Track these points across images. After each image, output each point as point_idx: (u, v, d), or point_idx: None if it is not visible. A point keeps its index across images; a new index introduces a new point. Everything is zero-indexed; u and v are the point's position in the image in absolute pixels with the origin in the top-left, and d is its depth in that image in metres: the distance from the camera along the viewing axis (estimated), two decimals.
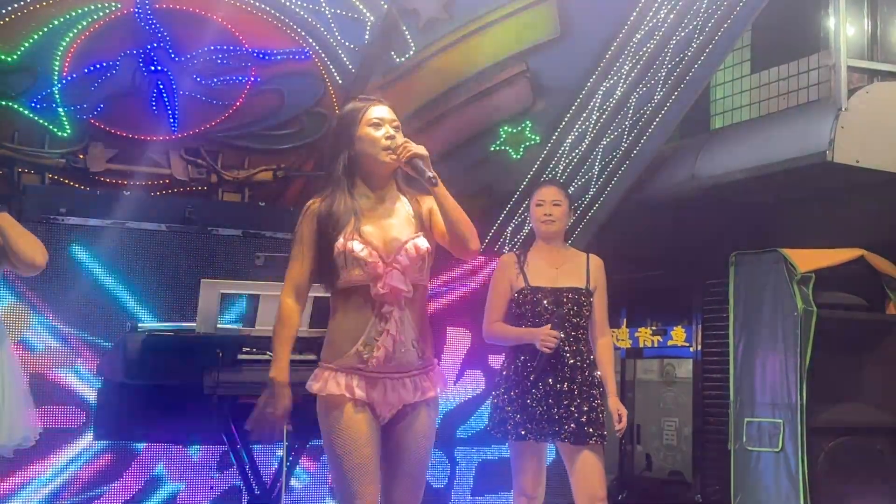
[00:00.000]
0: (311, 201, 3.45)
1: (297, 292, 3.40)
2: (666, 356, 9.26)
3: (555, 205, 4.74)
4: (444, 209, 3.33)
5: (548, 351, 4.52)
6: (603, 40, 7.01)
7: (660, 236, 8.22)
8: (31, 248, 3.96)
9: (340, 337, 3.35)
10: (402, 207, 3.44)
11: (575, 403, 4.57)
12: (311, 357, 4.39)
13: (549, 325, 4.54)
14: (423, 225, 3.43)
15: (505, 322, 4.72)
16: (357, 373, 3.31)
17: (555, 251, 4.78)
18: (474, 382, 6.69)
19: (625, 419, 4.65)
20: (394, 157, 3.34)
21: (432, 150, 3.39)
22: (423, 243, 3.37)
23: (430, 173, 3.29)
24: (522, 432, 4.55)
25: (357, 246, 3.30)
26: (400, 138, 3.39)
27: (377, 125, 3.38)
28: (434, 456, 5.45)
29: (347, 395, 3.30)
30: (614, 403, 4.67)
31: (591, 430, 4.57)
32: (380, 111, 3.41)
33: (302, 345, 4.38)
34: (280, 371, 3.34)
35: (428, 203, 3.44)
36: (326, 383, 3.33)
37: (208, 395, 4.39)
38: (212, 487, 5.91)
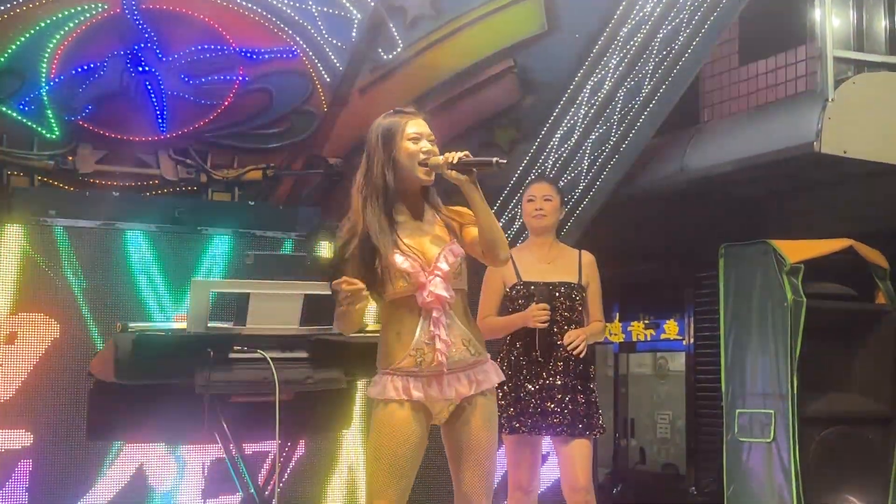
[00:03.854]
0: (341, 229, 3.56)
1: None
2: (659, 350, 9.28)
3: (545, 200, 4.78)
4: (481, 213, 3.45)
5: (542, 325, 4.55)
6: (590, 34, 7.03)
7: (651, 230, 8.24)
8: None
9: (394, 347, 3.49)
10: (435, 219, 3.56)
11: (568, 397, 4.61)
12: (303, 355, 4.42)
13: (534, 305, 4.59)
14: (455, 235, 3.55)
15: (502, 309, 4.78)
16: (412, 375, 3.45)
17: (546, 246, 4.81)
18: None
19: (580, 338, 4.63)
20: (429, 173, 3.46)
21: None
22: (458, 249, 3.52)
23: (495, 158, 3.41)
24: (517, 425, 4.58)
25: (399, 259, 3.43)
26: (435, 152, 3.49)
27: (416, 139, 3.49)
28: None
29: (405, 397, 3.45)
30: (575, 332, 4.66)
31: (584, 422, 4.60)
32: (417, 125, 3.52)
33: (293, 343, 4.41)
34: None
35: (456, 216, 3.57)
36: (385, 388, 3.47)
37: (200, 395, 4.39)
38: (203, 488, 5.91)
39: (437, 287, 3.43)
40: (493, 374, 3.59)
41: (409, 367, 3.45)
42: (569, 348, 4.60)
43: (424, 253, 3.47)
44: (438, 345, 3.42)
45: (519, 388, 4.63)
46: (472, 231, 3.54)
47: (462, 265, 3.53)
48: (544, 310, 4.58)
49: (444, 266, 3.46)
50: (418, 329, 3.45)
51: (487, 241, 3.48)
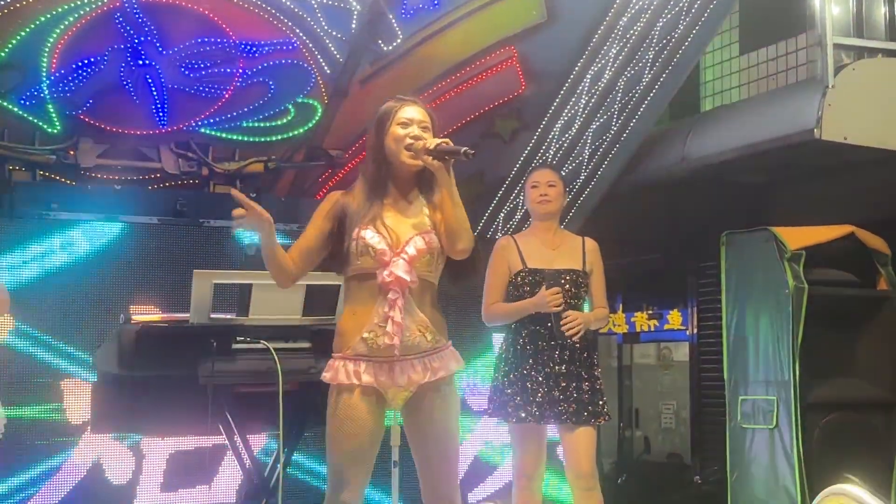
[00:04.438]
0: (335, 192, 3.63)
1: (299, 251, 3.55)
2: (662, 340, 9.29)
3: (550, 185, 4.80)
4: (448, 201, 3.46)
5: (557, 308, 4.55)
6: (590, 24, 7.03)
7: (653, 219, 8.24)
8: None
9: (349, 326, 3.51)
10: (421, 208, 3.58)
11: (574, 384, 4.62)
12: (306, 345, 4.43)
13: (544, 288, 4.59)
14: (436, 229, 3.55)
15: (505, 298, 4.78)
16: (364, 359, 3.45)
17: (550, 233, 4.82)
18: None
19: (577, 320, 4.63)
20: (413, 157, 3.48)
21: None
22: (432, 239, 3.52)
23: (464, 148, 3.42)
24: (523, 415, 4.59)
25: (369, 234, 3.46)
26: (428, 138, 3.50)
27: (405, 125, 3.52)
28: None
29: (355, 381, 3.45)
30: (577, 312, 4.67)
31: (590, 410, 4.62)
32: (410, 111, 3.55)
33: (295, 333, 4.42)
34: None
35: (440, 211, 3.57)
36: (337, 373, 3.49)
37: (203, 386, 4.40)
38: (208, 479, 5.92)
39: (399, 268, 3.44)
40: (452, 362, 3.58)
41: (361, 351, 3.46)
42: (565, 328, 4.60)
43: (398, 234, 3.50)
44: (389, 327, 3.42)
45: (525, 377, 4.63)
46: None
47: (435, 258, 3.54)
48: (557, 293, 4.58)
49: (411, 250, 3.47)
50: (374, 310, 3.46)
51: (449, 229, 3.49)
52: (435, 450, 3.53)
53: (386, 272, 3.44)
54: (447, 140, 3.47)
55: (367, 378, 3.45)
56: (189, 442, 5.84)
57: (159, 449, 5.85)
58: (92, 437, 5.67)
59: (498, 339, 6.05)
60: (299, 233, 3.68)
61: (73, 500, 5.68)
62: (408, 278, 3.44)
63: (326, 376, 3.53)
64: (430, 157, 3.44)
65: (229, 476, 5.92)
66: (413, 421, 3.56)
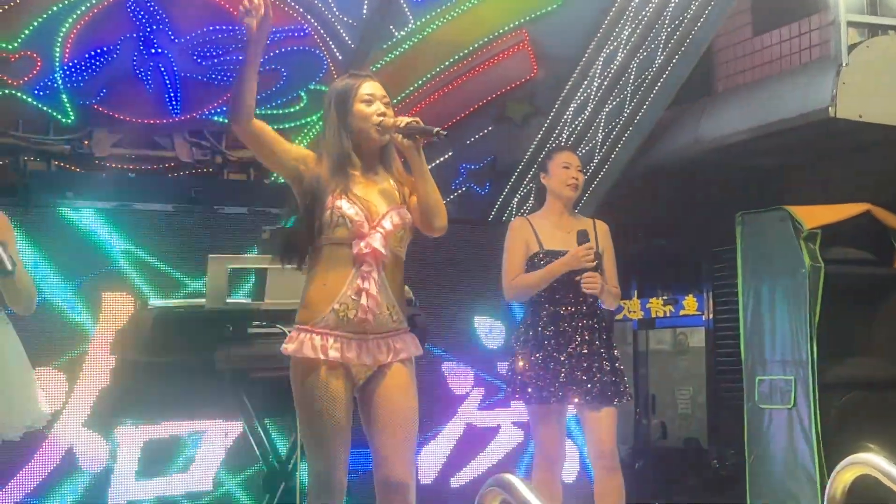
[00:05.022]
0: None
1: (264, 127, 3.49)
2: (678, 326, 9.27)
3: (579, 170, 4.81)
4: (420, 179, 3.46)
5: (592, 264, 4.53)
6: (601, 6, 7.02)
7: (666, 203, 8.22)
8: (31, 302, 4.00)
9: (317, 297, 3.41)
10: (388, 183, 3.55)
11: (596, 364, 4.62)
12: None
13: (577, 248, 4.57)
14: (405, 202, 3.53)
15: None
16: (332, 334, 3.37)
17: (565, 216, 4.81)
18: None
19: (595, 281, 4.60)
20: (383, 133, 3.46)
21: (434, 124, 3.47)
22: (406, 214, 3.50)
23: (436, 128, 3.39)
24: (545, 395, 4.58)
25: (345, 205, 3.40)
26: (390, 114, 3.49)
27: (369, 101, 3.49)
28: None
29: (322, 356, 3.36)
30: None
31: (612, 389, 4.62)
32: (371, 87, 3.52)
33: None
34: None
35: (408, 181, 3.55)
36: (302, 345, 3.38)
37: (220, 370, 4.41)
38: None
39: (376, 241, 3.39)
40: (412, 345, 3.54)
41: (329, 325, 3.37)
42: (583, 284, 4.57)
43: (372, 205, 3.45)
44: (364, 300, 3.37)
45: (548, 359, 4.62)
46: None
47: (406, 233, 3.51)
48: (590, 248, 4.58)
49: (387, 224, 3.44)
50: (347, 281, 3.38)
51: (425, 208, 3.48)
52: (392, 430, 3.45)
53: (363, 243, 3.38)
54: (417, 119, 3.45)
55: (333, 354, 3.36)
56: (164, 429, 5.78)
57: (134, 436, 5.78)
58: (64, 426, 5.59)
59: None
60: None
61: (46, 489, 5.59)
62: (383, 251, 3.41)
63: (289, 348, 3.40)
64: (400, 136, 3.43)
65: (207, 463, 5.89)
66: (370, 400, 3.48)
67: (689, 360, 9.11)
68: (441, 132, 3.38)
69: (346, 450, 3.43)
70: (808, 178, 7.55)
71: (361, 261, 3.39)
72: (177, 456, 5.85)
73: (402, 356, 3.49)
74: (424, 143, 3.46)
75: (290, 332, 3.47)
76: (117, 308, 5.71)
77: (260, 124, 3.47)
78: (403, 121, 3.44)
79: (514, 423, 6.72)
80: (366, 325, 3.39)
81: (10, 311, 4.00)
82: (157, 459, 5.80)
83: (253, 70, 3.45)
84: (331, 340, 3.37)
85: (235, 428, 5.78)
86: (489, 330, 6.76)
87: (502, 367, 6.68)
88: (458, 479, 6.50)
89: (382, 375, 3.48)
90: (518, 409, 6.72)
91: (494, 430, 6.70)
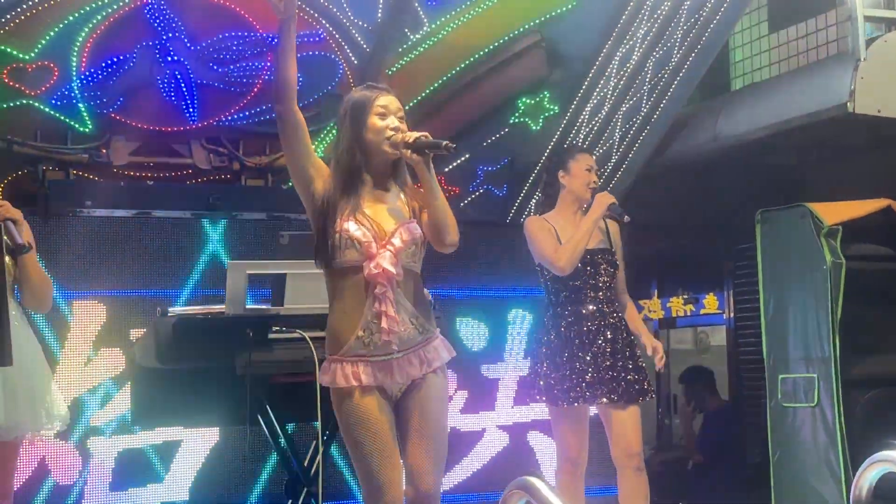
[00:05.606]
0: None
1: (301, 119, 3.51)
2: (699, 325, 9.24)
3: (597, 173, 4.83)
4: (430, 195, 3.43)
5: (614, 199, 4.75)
6: (616, 5, 6.99)
7: (686, 202, 8.19)
8: (45, 292, 4.08)
9: (340, 326, 3.44)
10: (399, 197, 3.54)
11: (620, 363, 4.63)
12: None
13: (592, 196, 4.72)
14: (416, 215, 3.52)
15: (542, 284, 4.78)
16: (362, 360, 3.40)
17: (578, 216, 4.81)
18: None
19: (661, 351, 4.71)
20: (394, 148, 3.44)
21: (450, 127, 3.48)
22: (416, 229, 3.47)
23: (445, 141, 3.37)
24: (572, 396, 4.57)
25: (352, 227, 3.39)
26: (404, 128, 3.47)
27: (383, 115, 3.47)
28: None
29: (355, 383, 3.39)
30: (649, 339, 4.71)
31: (636, 388, 4.62)
32: (386, 100, 3.50)
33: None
34: None
35: (419, 196, 3.54)
36: (335, 376, 3.42)
37: (241, 376, 4.41)
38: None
39: (386, 260, 3.37)
40: (444, 351, 3.54)
41: (356, 352, 3.40)
42: (659, 361, 4.70)
43: (380, 224, 3.44)
44: (384, 323, 3.37)
45: (573, 358, 4.62)
46: None
47: (418, 248, 3.50)
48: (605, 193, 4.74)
49: (396, 242, 3.41)
50: (365, 307, 3.39)
51: (436, 224, 3.46)
52: (424, 439, 3.46)
53: (373, 264, 3.37)
54: (426, 133, 3.42)
55: (366, 379, 3.39)
56: (138, 439, 5.77)
57: (107, 447, 5.77)
58: (35, 437, 5.54)
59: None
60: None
61: (17, 502, 5.55)
62: (394, 270, 3.39)
63: (325, 379, 3.46)
64: (409, 151, 3.40)
65: (182, 473, 5.89)
66: (404, 413, 3.49)
67: (710, 358, 9.07)
68: (450, 145, 3.36)
69: (395, 466, 3.43)
70: (827, 173, 7.51)
71: (374, 282, 3.38)
72: (151, 466, 5.84)
73: (436, 365, 3.50)
74: (434, 156, 3.43)
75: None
76: (135, 315, 5.72)
77: (300, 114, 3.49)
78: (412, 136, 3.41)
79: (500, 427, 6.72)
80: (392, 345, 3.40)
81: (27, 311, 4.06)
82: (132, 470, 5.78)
83: (289, 46, 3.45)
84: (361, 366, 3.40)
85: (212, 437, 5.76)
86: (472, 332, 6.75)
87: (487, 369, 6.72)
88: (443, 484, 6.44)
89: (416, 388, 3.48)
90: (503, 413, 6.74)
91: (479, 434, 6.69)
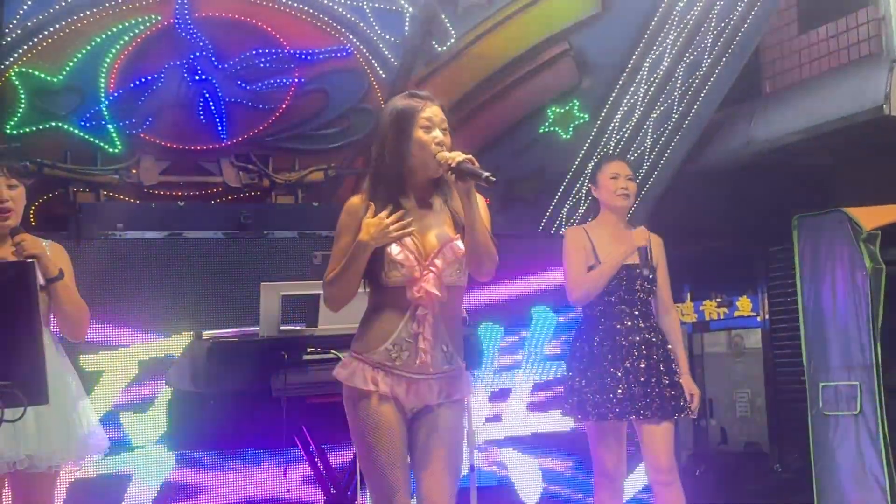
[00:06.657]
0: (352, 198, 3.48)
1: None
2: (733, 328, 9.16)
3: (629, 179, 4.76)
4: (470, 222, 3.32)
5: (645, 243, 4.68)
6: (645, 12, 6.94)
7: (719, 206, 8.12)
8: (80, 319, 4.03)
9: (373, 332, 3.38)
10: (443, 211, 3.45)
11: (654, 380, 4.56)
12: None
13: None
14: (461, 230, 3.41)
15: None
16: (383, 369, 3.34)
17: (619, 228, 4.75)
18: None
19: (697, 399, 4.66)
20: (438, 166, 3.33)
21: (480, 137, 3.41)
22: (458, 248, 3.38)
23: (487, 173, 3.25)
24: (603, 412, 4.52)
25: (395, 249, 3.32)
26: (447, 142, 3.36)
27: (428, 128, 3.35)
28: None
29: (373, 388, 3.34)
30: (687, 383, 4.64)
31: (672, 405, 4.56)
32: (431, 111, 3.37)
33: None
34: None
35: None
36: (354, 374, 3.36)
37: (277, 398, 4.39)
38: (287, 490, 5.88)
39: (430, 284, 3.31)
40: (465, 386, 3.49)
41: (380, 360, 3.35)
42: (694, 410, 4.65)
43: (424, 245, 3.36)
44: (422, 344, 3.32)
45: (605, 373, 4.57)
46: None
47: (461, 265, 3.40)
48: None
49: (439, 263, 3.34)
50: (402, 323, 3.33)
51: (473, 254, 3.36)
52: (436, 472, 3.39)
53: (416, 288, 3.31)
54: (471, 157, 3.29)
55: (384, 388, 3.33)
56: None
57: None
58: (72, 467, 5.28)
59: None
60: None
61: None
62: (438, 293, 3.33)
63: (342, 373, 3.40)
64: (452, 175, 3.29)
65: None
66: (416, 438, 3.42)
67: (745, 362, 9.01)
68: (490, 178, 3.23)
69: (405, 475, 3.38)
70: (862, 176, 7.42)
71: (416, 305, 3.33)
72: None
73: (455, 397, 3.44)
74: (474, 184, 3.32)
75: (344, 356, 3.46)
76: (170, 339, 5.70)
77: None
78: (456, 159, 3.28)
79: None
80: (419, 366, 3.35)
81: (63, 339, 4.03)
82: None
83: (364, 258, 3.34)
84: (381, 374, 3.35)
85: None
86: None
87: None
88: None
89: (432, 415, 3.41)
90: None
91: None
